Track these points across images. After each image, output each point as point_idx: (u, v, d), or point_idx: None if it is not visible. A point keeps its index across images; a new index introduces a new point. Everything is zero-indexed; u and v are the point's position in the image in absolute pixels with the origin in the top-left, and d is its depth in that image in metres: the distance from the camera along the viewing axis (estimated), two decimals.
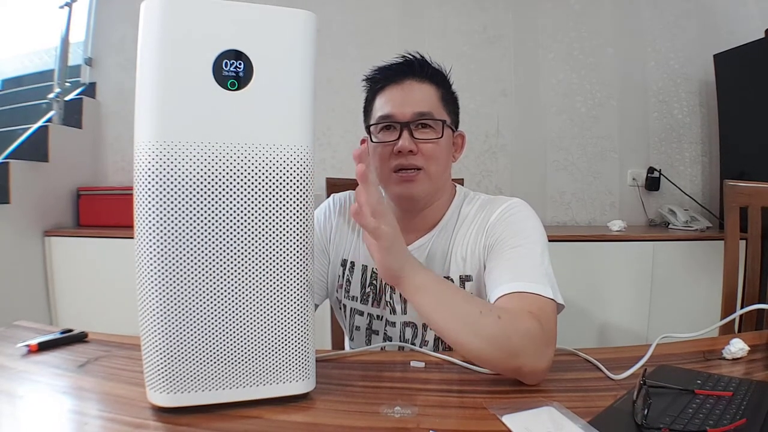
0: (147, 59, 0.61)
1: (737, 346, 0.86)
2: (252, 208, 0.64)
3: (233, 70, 0.63)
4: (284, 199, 0.66)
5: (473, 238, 0.95)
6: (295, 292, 0.67)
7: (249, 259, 0.65)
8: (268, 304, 0.66)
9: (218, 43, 0.62)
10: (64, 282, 2.20)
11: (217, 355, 0.65)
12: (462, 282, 0.96)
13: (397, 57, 0.98)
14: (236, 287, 0.65)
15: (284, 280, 0.67)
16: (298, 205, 0.66)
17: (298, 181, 0.66)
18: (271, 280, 0.66)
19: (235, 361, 0.66)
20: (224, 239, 0.63)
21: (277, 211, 0.65)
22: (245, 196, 0.64)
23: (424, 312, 0.74)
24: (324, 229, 1.07)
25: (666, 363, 0.82)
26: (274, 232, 0.65)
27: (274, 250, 0.66)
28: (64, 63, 2.47)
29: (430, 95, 0.95)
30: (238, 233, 0.64)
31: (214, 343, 0.64)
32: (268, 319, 0.66)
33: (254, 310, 0.66)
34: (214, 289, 0.64)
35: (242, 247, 0.64)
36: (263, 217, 0.65)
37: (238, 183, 0.63)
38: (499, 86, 2.70)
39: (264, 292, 0.66)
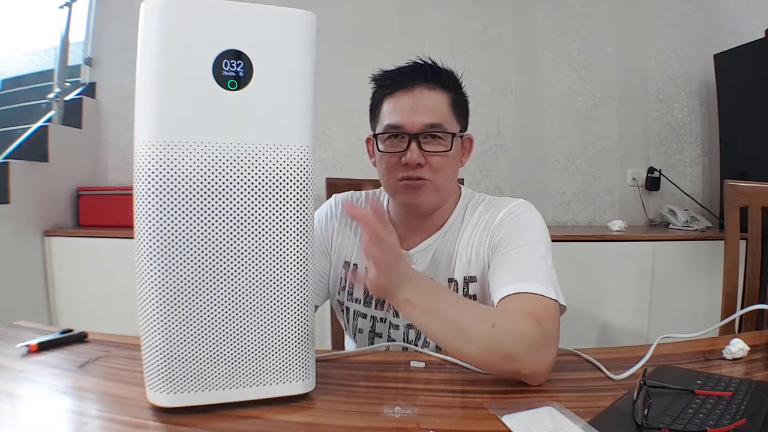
0: (147, 59, 0.61)
1: (737, 346, 0.86)
2: (252, 208, 0.64)
3: (233, 70, 0.63)
4: (284, 199, 0.66)
5: (478, 239, 0.95)
6: (295, 292, 0.67)
7: (249, 259, 0.65)
8: (268, 304, 0.66)
9: (218, 43, 0.62)
10: (64, 282, 2.20)
11: (217, 355, 0.65)
12: (466, 283, 0.96)
13: (407, 61, 0.95)
14: (236, 287, 0.65)
15: (284, 280, 0.67)
16: (298, 205, 0.66)
17: (298, 181, 0.66)
18: (271, 280, 0.66)
19: (235, 361, 0.66)
20: (224, 239, 0.63)
21: (277, 211, 0.65)
22: (245, 196, 0.64)
23: (415, 324, 0.74)
24: (325, 230, 1.06)
25: (666, 363, 0.82)
26: (274, 233, 0.65)
27: (274, 250, 0.66)
28: (64, 63, 2.47)
29: (440, 103, 0.93)
30: (238, 233, 0.64)
31: (214, 343, 0.64)
32: (268, 319, 0.66)
33: (254, 310, 0.66)
34: (214, 289, 0.64)
35: (242, 247, 0.64)
36: (263, 218, 0.65)
37: (238, 183, 0.63)
38: (499, 86, 2.70)
39: (264, 292, 0.66)
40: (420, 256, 0.99)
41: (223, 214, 0.63)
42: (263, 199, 0.65)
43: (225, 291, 0.64)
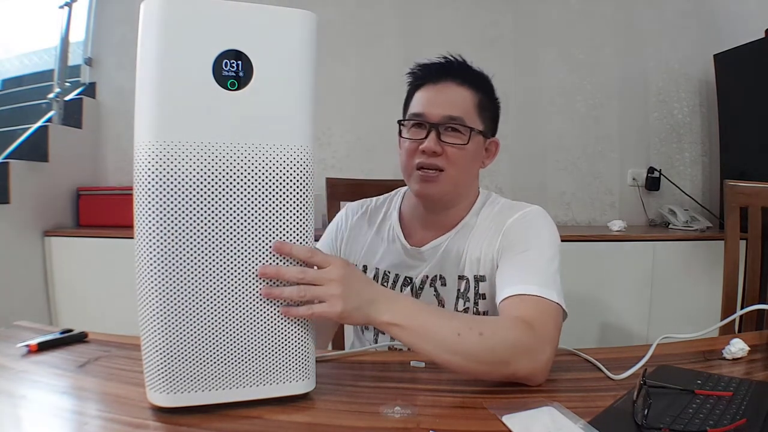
0: (147, 59, 0.61)
1: (737, 346, 0.86)
2: (252, 208, 0.64)
3: (233, 70, 0.63)
4: (284, 199, 0.66)
5: (489, 239, 0.96)
6: None
7: (249, 259, 0.65)
8: (268, 304, 0.66)
9: (218, 43, 0.62)
10: (64, 282, 2.20)
11: (217, 355, 0.65)
12: (476, 281, 0.97)
13: (438, 57, 0.99)
14: (236, 287, 0.65)
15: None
16: (298, 205, 0.66)
17: (298, 181, 0.66)
18: (271, 280, 0.66)
19: (235, 361, 0.66)
20: (224, 239, 0.63)
21: (277, 211, 0.65)
22: (245, 196, 0.64)
23: (403, 343, 0.73)
24: (335, 240, 1.09)
25: (666, 363, 0.82)
26: (274, 232, 0.65)
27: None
28: (64, 63, 2.47)
29: (465, 99, 0.96)
30: (239, 233, 0.64)
31: (214, 343, 0.64)
32: (268, 319, 0.66)
33: (254, 310, 0.66)
34: (214, 289, 0.64)
35: (242, 247, 0.64)
36: (263, 217, 0.65)
37: (238, 183, 0.63)
38: (499, 86, 2.68)
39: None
40: (430, 253, 1.00)
41: (223, 214, 0.63)
42: (263, 199, 0.65)
43: (225, 291, 0.64)
